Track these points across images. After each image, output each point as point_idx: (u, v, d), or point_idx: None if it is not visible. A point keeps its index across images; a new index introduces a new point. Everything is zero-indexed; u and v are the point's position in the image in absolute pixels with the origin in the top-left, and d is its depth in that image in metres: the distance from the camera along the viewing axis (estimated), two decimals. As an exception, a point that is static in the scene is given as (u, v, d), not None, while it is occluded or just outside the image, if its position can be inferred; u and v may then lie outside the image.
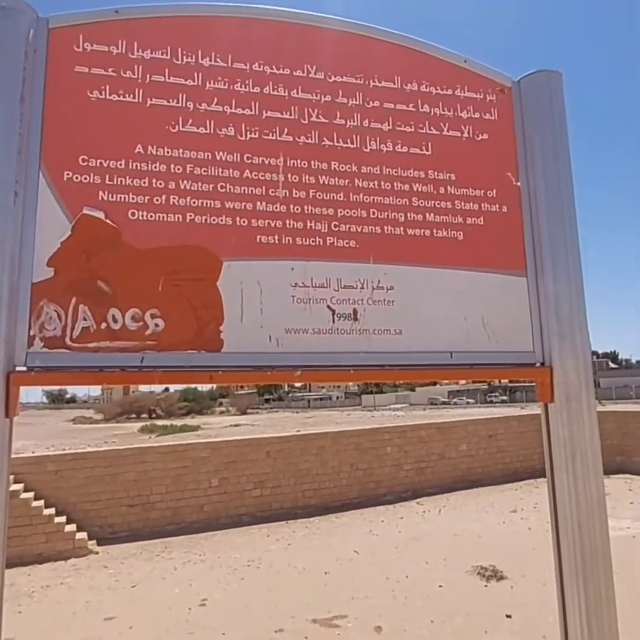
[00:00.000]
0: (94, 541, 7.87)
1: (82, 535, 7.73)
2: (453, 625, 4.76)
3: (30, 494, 7.79)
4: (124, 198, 1.39)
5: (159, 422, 40.99)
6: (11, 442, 1.26)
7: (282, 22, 1.58)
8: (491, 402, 61.05)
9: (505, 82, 1.76)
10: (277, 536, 8.22)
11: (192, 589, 5.97)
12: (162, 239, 1.40)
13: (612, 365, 79.59)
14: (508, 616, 4.87)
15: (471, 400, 63.03)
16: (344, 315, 1.49)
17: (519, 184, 1.71)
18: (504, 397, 65.29)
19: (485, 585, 5.72)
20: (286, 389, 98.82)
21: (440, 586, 5.74)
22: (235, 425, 34.61)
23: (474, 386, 77.60)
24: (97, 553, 7.55)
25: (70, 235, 1.34)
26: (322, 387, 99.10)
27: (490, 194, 1.69)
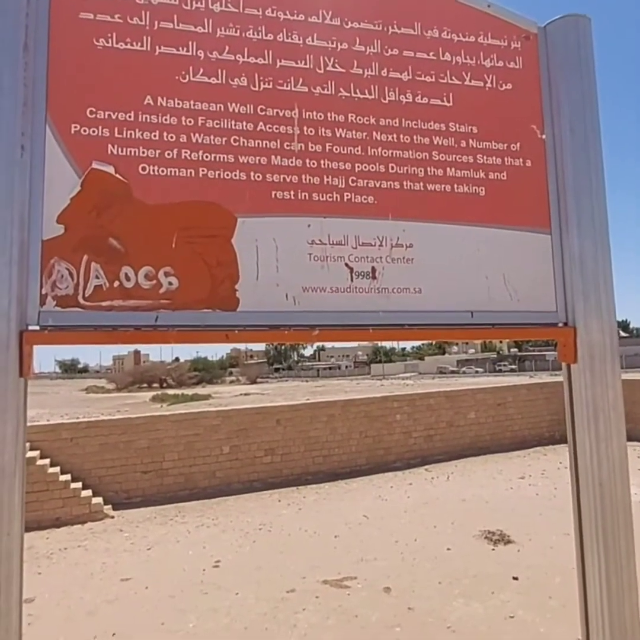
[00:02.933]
0: (110, 506, 8.06)
1: (97, 500, 7.92)
2: (460, 586, 4.84)
3: (46, 461, 7.96)
4: (134, 152, 1.34)
5: (170, 392, 41.55)
6: (26, 401, 1.25)
7: (296, -36, 1.50)
8: (500, 371, 61.12)
9: (531, 28, 1.67)
10: (288, 501, 8.35)
11: (205, 551, 6.10)
12: (174, 194, 1.36)
13: (623, 334, 79.13)
14: (515, 578, 4.92)
15: (480, 370, 63.11)
16: (362, 274, 1.45)
17: (544, 136, 1.63)
18: (513, 366, 65.32)
19: (493, 549, 5.80)
20: (296, 358, 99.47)
21: (448, 549, 5.82)
22: (246, 394, 35.03)
23: (483, 355, 77.57)
24: (112, 517, 7.73)
25: (80, 191, 1.30)
26: (331, 357, 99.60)
27: (513, 147, 1.61)
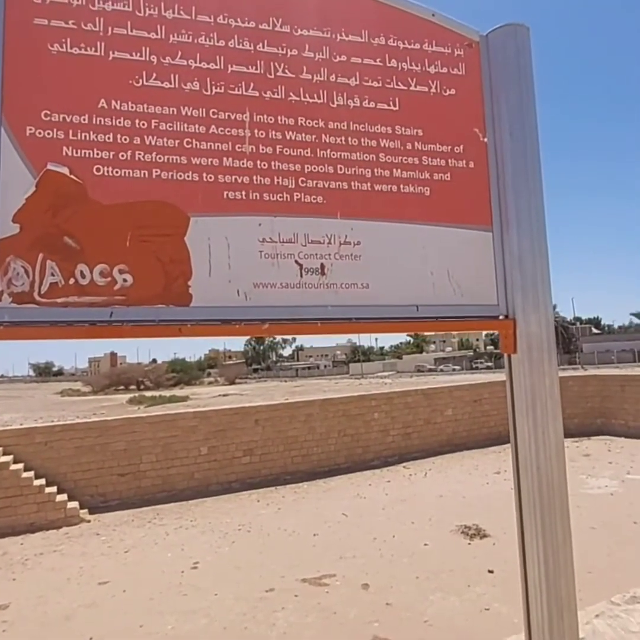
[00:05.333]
0: (86, 510, 8.04)
1: (73, 504, 7.89)
2: (437, 580, 4.97)
3: (20, 466, 7.92)
4: (89, 153, 1.39)
5: (148, 394, 41.16)
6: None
7: (247, -26, 1.56)
8: (477, 368, 61.92)
9: (473, 36, 1.76)
10: (267, 501, 8.44)
11: (184, 553, 6.15)
12: (129, 194, 1.41)
13: (595, 330, 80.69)
14: (490, 571, 5.08)
15: (457, 367, 63.83)
16: (311, 270, 1.52)
17: (485, 139, 1.72)
18: (489, 364, 66.15)
19: (469, 543, 5.94)
20: (274, 358, 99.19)
21: (425, 545, 5.95)
22: (224, 395, 34.87)
23: (460, 353, 78.42)
24: (89, 521, 7.72)
25: (35, 191, 1.34)
26: (310, 356, 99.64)
27: (457, 149, 1.70)
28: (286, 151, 1.54)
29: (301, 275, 1.51)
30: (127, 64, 1.45)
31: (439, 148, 1.68)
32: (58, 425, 9.25)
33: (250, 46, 1.54)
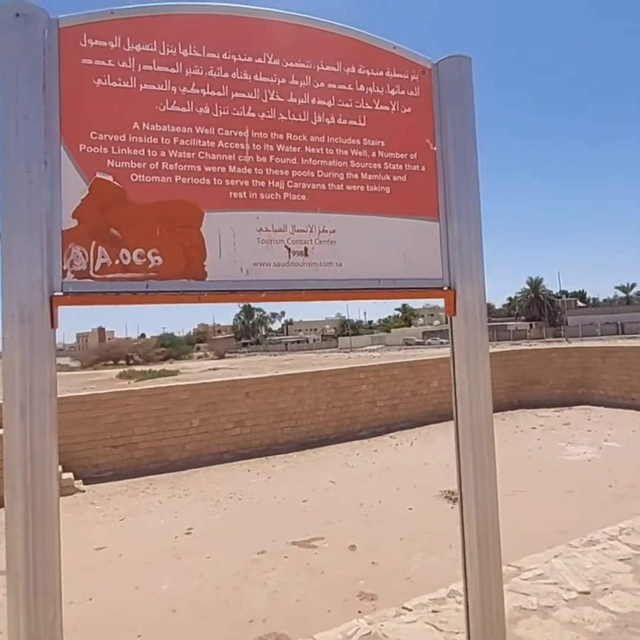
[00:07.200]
0: (80, 481, 8.12)
1: (68, 475, 7.95)
2: (420, 541, 5.19)
3: None
4: (126, 165, 1.83)
5: (137, 368, 41.39)
6: (55, 347, 1.75)
7: (244, 17, 1.98)
8: (463, 342, 62.60)
9: (426, 64, 2.20)
10: (258, 471, 8.59)
11: (177, 520, 6.30)
12: (157, 196, 1.85)
13: (580, 304, 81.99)
14: None
15: (445, 340, 64.53)
16: (297, 252, 1.99)
17: (435, 148, 2.18)
18: (476, 337, 66.81)
19: (451, 507, 6.03)
20: (264, 332, 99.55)
21: (410, 509, 6.17)
22: (214, 369, 35.13)
23: (446, 327, 79.26)
24: (83, 491, 7.82)
25: (88, 194, 1.79)
26: (299, 331, 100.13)
27: (412, 156, 2.16)
28: (277, 160, 1.99)
29: (289, 257, 1.97)
30: (153, 93, 1.88)
31: (398, 155, 2.14)
32: (49, 398, 9.43)
33: (248, 77, 1.98)
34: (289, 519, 6.19)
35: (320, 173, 2.04)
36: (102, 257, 1.79)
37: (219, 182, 1.92)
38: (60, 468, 7.94)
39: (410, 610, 3.04)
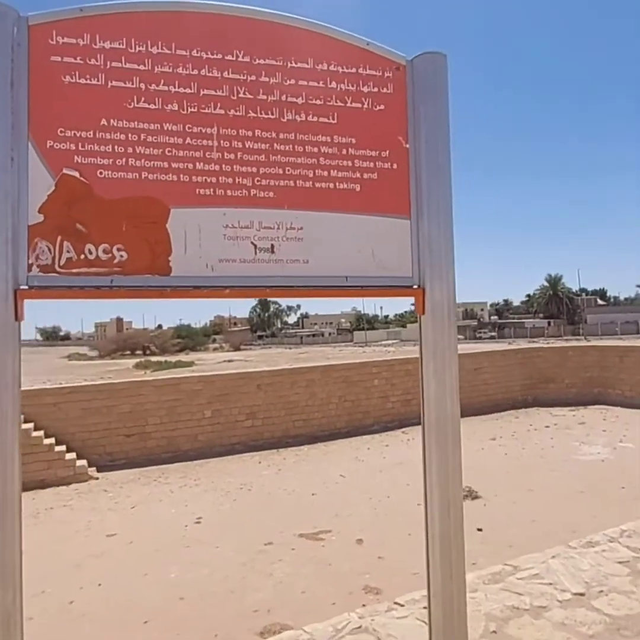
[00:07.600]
0: (94, 468, 8.36)
1: (82, 462, 8.19)
2: None
3: (31, 425, 8.09)
4: (93, 160, 1.85)
5: (154, 359, 41.92)
6: (20, 340, 1.79)
7: (214, 14, 1.99)
8: (480, 337, 62.42)
9: (401, 61, 2.18)
10: (268, 463, 8.71)
11: (187, 509, 6.45)
12: (124, 191, 1.88)
13: (600, 302, 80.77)
14: (479, 529, 5.28)
15: (461, 337, 64.12)
16: (264, 249, 2.00)
17: (407, 146, 2.17)
18: (493, 334, 66.55)
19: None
20: (279, 325, 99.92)
21: (418, 505, 6.28)
22: (229, 361, 35.49)
23: (464, 323, 78.83)
24: (97, 479, 8.04)
25: (54, 190, 1.82)
26: (315, 324, 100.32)
27: (383, 154, 2.15)
28: (245, 157, 2.00)
29: (256, 253, 1.99)
30: (122, 90, 1.90)
31: (369, 153, 2.13)
32: (67, 387, 9.54)
33: (217, 74, 1.99)
34: (297, 511, 6.25)
35: (288, 170, 2.04)
36: (68, 251, 1.82)
37: (186, 178, 1.94)
38: (74, 455, 8.18)
39: (402, 605, 3.07)
